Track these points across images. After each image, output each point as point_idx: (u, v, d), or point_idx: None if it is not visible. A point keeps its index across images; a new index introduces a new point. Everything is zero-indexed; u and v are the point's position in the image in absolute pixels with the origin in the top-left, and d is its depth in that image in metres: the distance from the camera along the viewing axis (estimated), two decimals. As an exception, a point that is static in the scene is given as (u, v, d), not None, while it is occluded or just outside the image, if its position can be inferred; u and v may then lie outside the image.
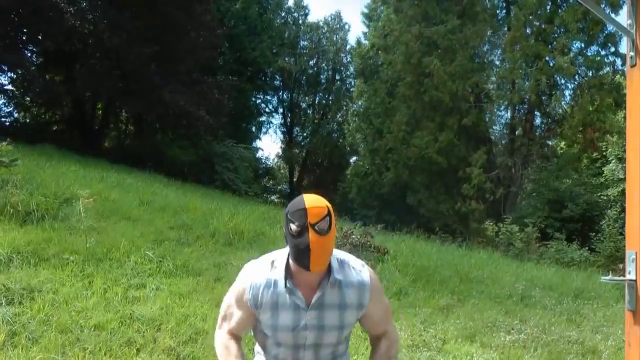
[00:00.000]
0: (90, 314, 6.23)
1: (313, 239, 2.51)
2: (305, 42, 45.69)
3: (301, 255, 2.56)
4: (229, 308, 2.88)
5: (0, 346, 5.24)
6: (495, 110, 32.26)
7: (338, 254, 2.82)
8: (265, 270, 2.76)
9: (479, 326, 8.51)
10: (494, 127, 34.09)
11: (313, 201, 2.60)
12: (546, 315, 9.80)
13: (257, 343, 2.95)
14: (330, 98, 46.45)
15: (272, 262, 2.78)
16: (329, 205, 2.63)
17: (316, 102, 47.19)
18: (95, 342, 5.63)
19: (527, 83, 27.37)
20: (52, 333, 5.64)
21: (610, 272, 14.88)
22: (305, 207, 2.55)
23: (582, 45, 28.06)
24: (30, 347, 5.35)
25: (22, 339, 5.44)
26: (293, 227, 2.55)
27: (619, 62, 26.85)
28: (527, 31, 28.07)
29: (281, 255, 2.77)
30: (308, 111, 47.76)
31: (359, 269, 2.81)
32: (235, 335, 2.88)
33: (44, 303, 6.19)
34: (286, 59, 42.08)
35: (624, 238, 3.10)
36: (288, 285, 2.67)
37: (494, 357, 7.30)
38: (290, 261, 2.68)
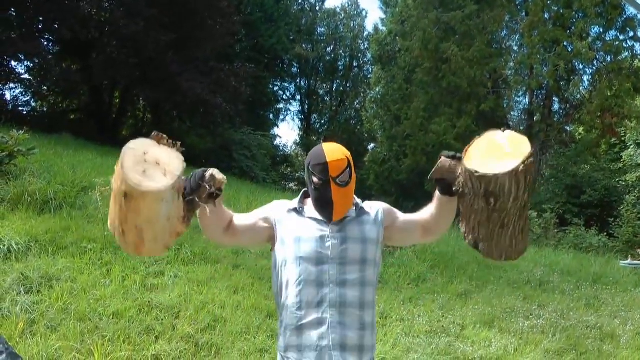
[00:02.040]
0: (109, 302, 6.22)
1: (335, 192, 2.67)
2: (323, 29, 45.60)
3: (324, 207, 2.73)
4: (250, 214, 2.98)
5: (19, 334, 5.25)
6: (513, 96, 32.16)
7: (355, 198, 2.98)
8: (293, 201, 3.01)
9: (497, 312, 8.49)
10: (512, 113, 33.94)
11: (333, 153, 2.70)
12: (564, 301, 9.76)
13: (278, 291, 2.91)
14: (348, 85, 46.39)
15: (299, 197, 3.01)
16: (349, 154, 2.74)
17: (334, 89, 47.15)
18: (113, 330, 5.63)
19: (545, 68, 27.18)
20: (70, 321, 5.64)
21: (629, 257, 14.84)
22: (326, 161, 2.66)
23: (601, 30, 27.80)
24: (49, 335, 5.35)
25: (41, 327, 5.45)
26: (315, 179, 2.69)
27: (637, 46, 26.74)
28: (546, 16, 27.82)
29: (306, 193, 2.95)
30: (325, 98, 47.72)
31: (372, 202, 3.06)
32: (234, 223, 2.91)
33: (62, 291, 6.19)
34: (303, 45, 41.98)
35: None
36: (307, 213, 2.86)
37: (512, 343, 7.26)
38: (313, 207, 2.84)
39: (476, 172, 2.41)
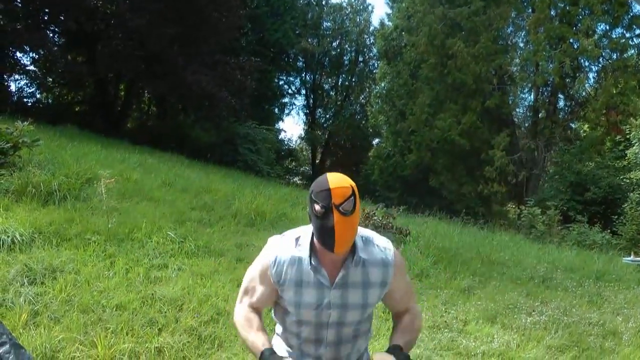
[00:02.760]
0: (112, 294, 6.23)
1: (338, 220, 2.49)
2: (329, 24, 45.47)
3: (326, 236, 2.54)
4: (252, 282, 2.87)
5: (22, 325, 5.25)
6: (518, 92, 32.16)
7: (362, 231, 2.80)
8: (290, 246, 2.75)
9: (500, 308, 8.47)
10: (517, 110, 33.96)
11: (337, 181, 2.57)
12: (567, 298, 9.74)
13: (277, 323, 2.94)
14: (353, 80, 46.35)
15: (297, 238, 2.76)
16: (353, 184, 2.60)
17: (339, 83, 47.10)
18: (117, 322, 5.63)
19: (551, 65, 27.17)
20: (74, 313, 5.64)
21: (632, 254, 14.82)
22: (329, 188, 2.53)
23: (607, 28, 27.88)
24: (52, 327, 5.35)
25: (44, 319, 5.45)
26: (317, 207, 2.54)
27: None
28: (552, 13, 27.84)
29: (306, 232, 2.76)
30: (331, 93, 47.69)
31: (383, 247, 2.79)
32: (257, 309, 2.87)
33: (65, 283, 6.19)
34: (309, 40, 41.89)
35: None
36: (313, 263, 2.67)
37: (514, 339, 7.25)
38: (315, 240, 2.66)
39: None
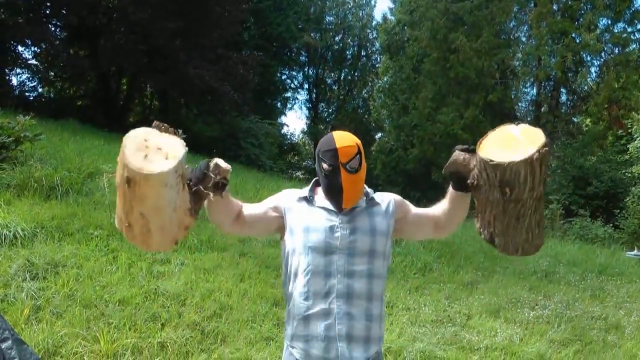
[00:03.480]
0: (115, 289, 6.22)
1: (345, 178, 2.66)
2: (331, 18, 45.47)
3: (334, 194, 2.72)
4: (259, 203, 2.96)
5: (24, 320, 5.24)
6: (520, 86, 32.15)
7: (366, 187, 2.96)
8: (303, 189, 2.99)
9: (503, 302, 8.49)
10: (519, 104, 33.91)
11: (343, 140, 2.70)
12: (570, 291, 9.77)
13: (286, 280, 2.91)
14: (356, 74, 46.34)
15: (310, 185, 2.99)
16: (359, 142, 2.73)
17: (341, 78, 47.10)
18: (119, 317, 5.63)
19: (553, 60, 27.14)
20: (76, 308, 5.64)
21: (635, 248, 14.83)
22: (336, 147, 2.66)
23: (609, 22, 27.84)
24: (55, 322, 5.35)
25: (47, 314, 5.45)
26: (325, 166, 2.68)
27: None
28: (554, 7, 27.80)
29: (316, 182, 2.94)
30: (333, 87, 47.69)
31: (384, 193, 3.04)
32: (243, 214, 2.87)
33: (68, 278, 6.19)
34: (312, 34, 41.88)
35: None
36: (315, 200, 2.87)
37: (517, 333, 7.26)
38: (324, 195, 2.84)
39: (491, 160, 2.37)
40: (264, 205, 2.93)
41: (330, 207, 2.79)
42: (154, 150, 2.28)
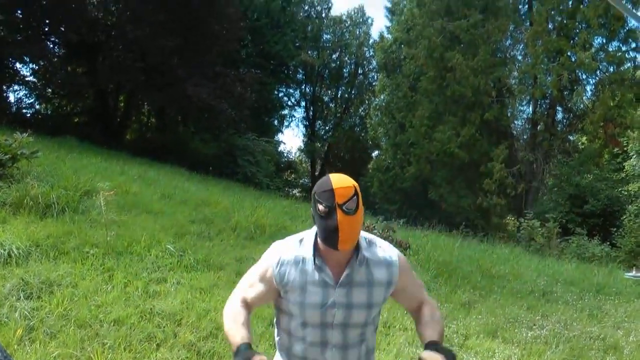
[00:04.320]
0: (110, 309, 6.17)
1: (341, 219, 2.54)
2: (328, 36, 45.67)
3: (330, 236, 2.59)
4: (252, 278, 2.84)
5: (18, 341, 5.19)
6: (517, 105, 32.31)
7: (366, 234, 2.85)
8: (293, 247, 2.78)
9: (500, 322, 8.45)
10: (515, 122, 34.04)
11: (340, 181, 2.63)
12: (568, 311, 9.74)
13: (278, 334, 2.89)
14: (353, 92, 46.48)
15: (300, 240, 2.80)
16: (356, 184, 2.67)
17: (338, 95, 47.24)
18: (114, 337, 5.58)
19: (549, 78, 27.29)
20: (70, 328, 5.59)
21: (633, 268, 14.81)
22: (332, 188, 2.59)
23: (604, 41, 28.13)
24: (49, 342, 5.29)
25: (40, 334, 5.39)
26: (321, 207, 2.59)
27: (639, 57, 26.85)
28: (549, 26, 28.02)
29: (309, 234, 2.79)
30: (330, 105, 47.80)
31: (386, 248, 2.84)
32: (248, 305, 2.83)
33: (63, 297, 6.14)
34: (309, 52, 42.03)
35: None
36: (317, 262, 2.68)
37: (515, 353, 7.22)
38: (319, 240, 2.69)
39: None
40: (258, 284, 2.81)
41: (327, 278, 2.69)
42: None
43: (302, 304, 2.69)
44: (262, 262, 2.81)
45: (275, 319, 2.92)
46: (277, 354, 2.93)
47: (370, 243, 2.82)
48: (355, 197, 2.60)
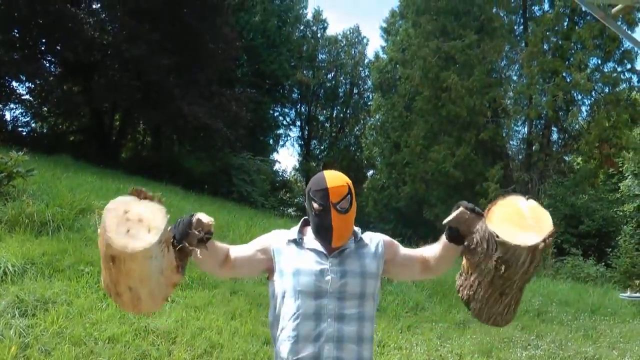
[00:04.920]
0: (105, 326, 6.17)
1: (335, 218, 2.66)
2: (324, 56, 45.78)
3: (324, 233, 2.72)
4: (247, 244, 2.94)
5: (12, 358, 5.19)
6: (512, 125, 32.22)
7: (355, 228, 2.96)
8: (292, 230, 2.96)
9: (495, 341, 8.45)
10: (511, 142, 33.98)
11: (334, 179, 2.71)
12: (562, 331, 9.74)
13: (274, 323, 2.88)
14: (348, 111, 46.51)
15: (299, 226, 2.97)
16: (349, 182, 2.76)
17: (334, 115, 47.27)
18: (109, 354, 5.58)
19: (544, 98, 27.31)
20: (65, 345, 5.59)
21: (628, 288, 14.82)
22: (327, 187, 2.67)
23: (599, 62, 28.15)
24: (43, 360, 5.30)
25: (35, 352, 5.39)
26: (315, 205, 2.69)
27: (635, 78, 27.09)
28: (545, 47, 28.07)
29: (305, 221, 2.93)
30: (326, 124, 47.82)
31: (373, 233, 3.04)
32: (229, 255, 2.86)
33: (57, 315, 6.14)
34: (304, 72, 42.09)
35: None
36: (305, 242, 2.85)
37: (511, 374, 7.22)
38: (313, 234, 2.83)
39: (497, 236, 2.40)
40: (252, 246, 2.92)
41: (320, 249, 2.78)
42: (135, 222, 2.28)
43: (297, 269, 2.74)
44: (261, 237, 2.95)
45: (270, 319, 2.93)
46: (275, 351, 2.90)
47: (357, 233, 2.93)
48: (349, 195, 2.69)
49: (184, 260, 2.56)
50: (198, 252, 2.53)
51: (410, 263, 2.97)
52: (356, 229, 2.93)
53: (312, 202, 2.71)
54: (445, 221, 2.71)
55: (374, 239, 2.95)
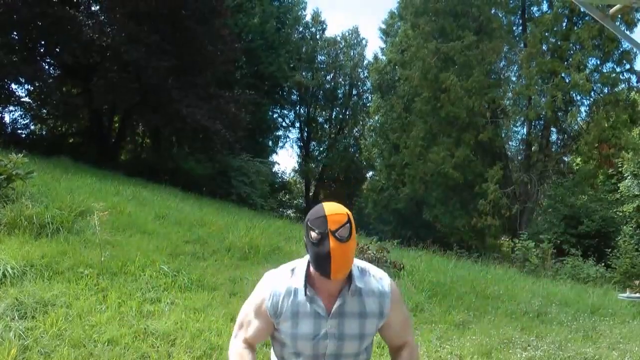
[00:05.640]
0: (104, 329, 6.17)
1: (334, 247, 2.51)
2: (323, 57, 45.82)
3: (322, 263, 2.56)
4: (247, 316, 2.85)
5: (12, 361, 5.19)
6: (511, 126, 32.31)
7: (359, 262, 2.82)
8: (285, 278, 2.76)
9: (495, 343, 8.42)
10: (510, 143, 34.10)
11: (333, 209, 2.61)
12: (562, 332, 9.70)
13: (274, 354, 2.91)
14: (347, 113, 46.53)
15: (292, 270, 2.78)
16: (349, 212, 2.64)
17: (333, 116, 47.29)
18: (108, 357, 5.58)
19: (543, 99, 27.37)
20: (64, 348, 5.59)
21: (627, 289, 14.81)
22: (325, 215, 2.56)
23: (598, 62, 28.25)
24: (43, 362, 5.30)
25: (34, 354, 5.39)
26: (313, 234, 2.56)
27: (634, 79, 27.06)
28: (544, 47, 28.12)
29: (301, 263, 2.77)
30: (325, 126, 47.84)
31: (380, 277, 2.82)
32: (251, 345, 2.85)
33: (57, 317, 6.14)
34: (303, 73, 42.13)
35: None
36: (308, 293, 2.67)
37: (510, 375, 7.21)
38: (311, 269, 2.68)
39: None
40: (254, 317, 2.83)
41: (319, 310, 2.68)
42: None
43: (294, 334, 2.69)
44: (255, 296, 2.83)
45: (272, 347, 2.93)
46: None
47: (362, 272, 2.80)
48: (348, 224, 2.58)
49: None
50: None
51: (393, 340, 2.94)
52: (362, 264, 2.85)
53: (310, 232, 2.59)
54: None
55: (381, 294, 2.80)
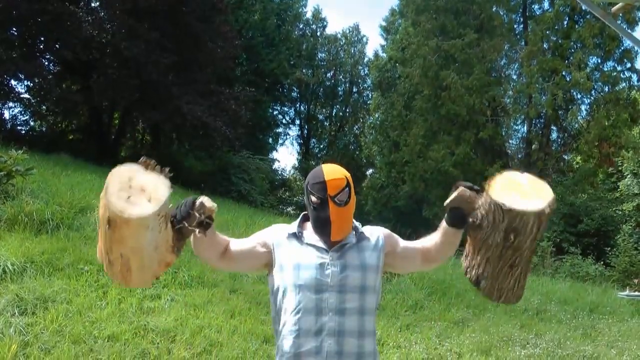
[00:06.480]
0: (104, 325, 6.17)
1: (333, 211, 2.66)
2: (323, 54, 45.83)
3: (322, 226, 2.72)
4: (247, 238, 2.95)
5: (12, 357, 5.19)
6: (511, 124, 32.27)
7: (355, 222, 2.97)
8: (292, 225, 2.96)
9: (494, 340, 8.44)
10: (510, 141, 34.01)
11: (332, 172, 2.73)
12: (561, 330, 9.73)
13: (276, 317, 2.89)
14: (347, 110, 46.50)
15: (298, 220, 2.97)
16: (348, 175, 2.76)
17: (333, 114, 47.28)
18: (108, 353, 5.58)
19: (543, 97, 27.31)
20: (65, 344, 5.59)
21: (627, 287, 14.81)
22: (324, 180, 2.67)
23: (599, 61, 28.19)
24: (43, 358, 5.30)
25: (35, 350, 5.39)
26: (313, 199, 2.70)
27: (634, 77, 27.04)
28: (544, 46, 28.08)
29: (305, 216, 2.94)
30: (325, 123, 47.81)
31: (372, 227, 3.05)
32: (228, 247, 2.87)
33: (57, 313, 6.14)
34: (304, 70, 42.12)
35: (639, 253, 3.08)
36: (305, 236, 2.84)
37: (509, 372, 7.21)
38: (312, 229, 2.83)
39: (504, 205, 2.41)
40: (252, 240, 2.92)
41: (320, 244, 2.78)
42: (137, 191, 2.30)
43: (298, 264, 2.74)
44: (260, 231, 2.95)
45: (272, 314, 2.94)
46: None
47: (357, 227, 2.93)
48: (347, 188, 2.68)
49: (181, 241, 2.58)
50: (197, 232, 2.54)
51: (411, 254, 2.99)
52: (356, 223, 2.93)
53: (310, 196, 2.72)
54: (446, 203, 2.74)
55: (374, 232, 2.96)
